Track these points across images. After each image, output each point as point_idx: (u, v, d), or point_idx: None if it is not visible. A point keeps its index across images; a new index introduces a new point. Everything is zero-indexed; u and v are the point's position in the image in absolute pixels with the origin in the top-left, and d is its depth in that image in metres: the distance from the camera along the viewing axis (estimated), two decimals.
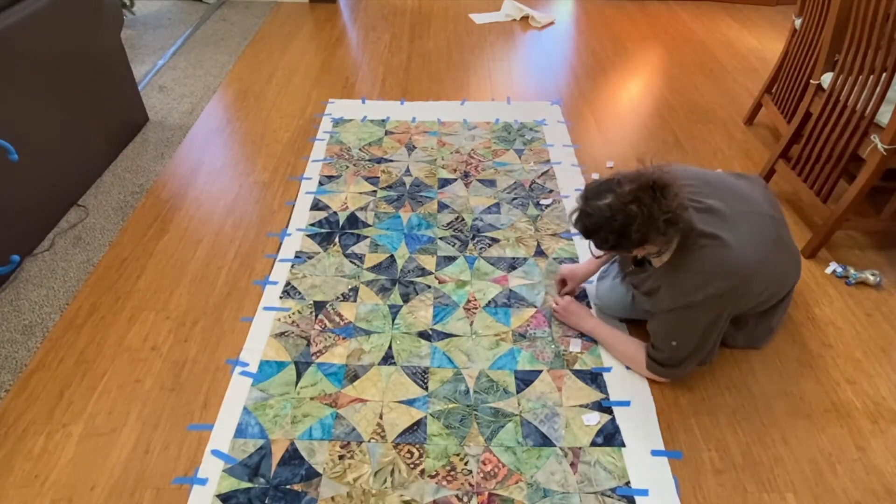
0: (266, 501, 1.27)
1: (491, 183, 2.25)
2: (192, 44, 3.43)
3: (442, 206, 2.13)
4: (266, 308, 1.73)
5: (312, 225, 2.04)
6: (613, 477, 1.32)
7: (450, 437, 1.40)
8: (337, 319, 1.69)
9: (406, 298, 1.76)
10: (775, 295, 1.50)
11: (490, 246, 1.96)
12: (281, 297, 1.76)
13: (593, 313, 1.68)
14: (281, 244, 1.97)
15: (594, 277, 1.77)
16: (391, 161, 2.37)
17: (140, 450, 1.38)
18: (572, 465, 1.34)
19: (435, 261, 1.90)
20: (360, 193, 2.19)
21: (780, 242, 1.44)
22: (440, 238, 1.99)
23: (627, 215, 1.20)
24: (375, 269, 1.87)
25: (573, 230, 1.99)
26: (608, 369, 1.56)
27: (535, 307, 1.74)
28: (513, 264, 1.89)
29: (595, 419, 1.44)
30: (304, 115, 2.71)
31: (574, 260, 1.90)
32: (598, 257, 1.46)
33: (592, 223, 1.25)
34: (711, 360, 1.52)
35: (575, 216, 1.29)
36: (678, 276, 1.34)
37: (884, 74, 1.70)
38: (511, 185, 2.24)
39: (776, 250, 1.42)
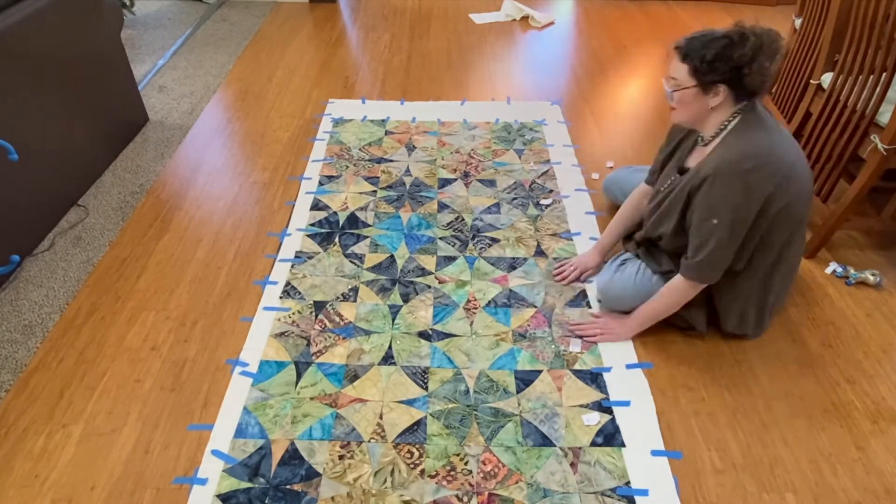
0: (266, 501, 1.27)
1: (491, 183, 2.25)
2: (192, 44, 3.43)
3: (442, 206, 2.13)
4: (266, 308, 1.73)
5: (312, 225, 2.04)
6: (613, 477, 1.32)
7: (450, 437, 1.40)
8: (337, 319, 1.69)
9: (406, 298, 1.76)
10: (797, 218, 1.45)
11: (490, 246, 1.96)
12: (281, 297, 1.76)
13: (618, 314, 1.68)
14: (281, 244, 1.97)
15: (593, 277, 1.78)
16: (391, 161, 2.37)
17: (140, 450, 1.38)
18: (572, 465, 1.34)
19: (435, 261, 1.90)
20: (360, 193, 2.19)
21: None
22: (440, 238, 1.99)
23: (743, 37, 1.30)
24: (375, 269, 1.87)
25: (572, 230, 1.99)
26: (608, 369, 1.56)
27: (535, 307, 1.74)
28: (513, 264, 1.89)
29: (595, 419, 1.44)
30: (304, 115, 2.71)
31: None
32: (669, 90, 1.42)
33: (698, 35, 1.35)
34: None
35: (688, 36, 1.37)
36: (730, 147, 1.38)
37: (884, 74, 1.70)
38: (511, 185, 2.24)
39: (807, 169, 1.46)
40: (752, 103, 1.39)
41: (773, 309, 1.61)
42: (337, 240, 1.98)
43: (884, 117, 1.74)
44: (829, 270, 1.87)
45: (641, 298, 1.59)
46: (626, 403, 1.48)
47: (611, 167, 2.36)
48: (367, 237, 1.99)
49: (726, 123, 1.40)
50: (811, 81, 2.09)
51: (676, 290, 1.51)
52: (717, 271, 1.44)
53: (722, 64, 1.31)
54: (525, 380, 1.53)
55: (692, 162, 1.52)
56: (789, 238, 1.46)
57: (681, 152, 1.58)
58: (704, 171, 1.38)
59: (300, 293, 1.78)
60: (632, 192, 1.80)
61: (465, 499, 1.28)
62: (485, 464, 1.35)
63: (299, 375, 1.54)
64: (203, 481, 1.31)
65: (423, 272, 1.85)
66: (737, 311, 1.56)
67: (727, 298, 1.54)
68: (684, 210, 1.46)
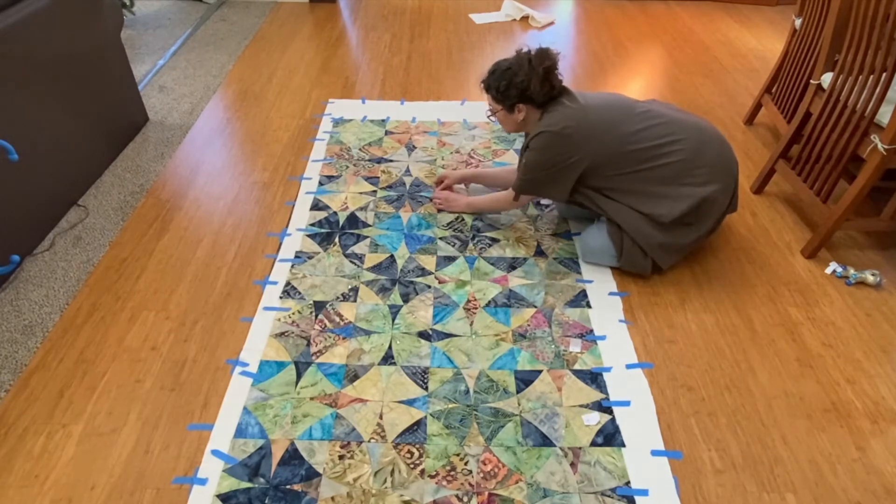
0: (266, 501, 1.27)
1: None
2: (192, 44, 3.43)
3: None
4: (266, 308, 1.73)
5: (312, 225, 2.04)
6: (613, 477, 1.32)
7: (450, 437, 1.40)
8: (337, 319, 1.69)
9: (406, 298, 1.76)
10: (605, 172, 1.74)
11: (490, 246, 1.96)
12: (281, 297, 1.76)
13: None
14: (281, 244, 1.97)
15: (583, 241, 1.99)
16: (391, 161, 2.37)
17: (140, 450, 1.38)
18: (572, 465, 1.34)
19: (435, 261, 1.90)
20: (360, 193, 2.19)
21: (636, 115, 1.76)
22: (440, 238, 1.99)
23: (519, 62, 1.72)
24: (375, 269, 1.87)
25: (572, 230, 1.99)
26: (608, 369, 1.56)
27: (535, 307, 1.74)
28: (513, 264, 1.89)
29: (595, 419, 1.44)
30: (304, 115, 2.71)
31: (575, 261, 1.91)
32: (489, 115, 1.87)
33: (492, 70, 1.77)
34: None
35: (488, 71, 1.79)
36: (542, 121, 1.75)
37: (884, 74, 1.70)
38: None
39: (624, 108, 1.77)
40: (553, 102, 1.75)
41: (650, 249, 1.77)
42: (337, 240, 1.98)
43: (884, 117, 1.74)
44: (829, 270, 1.87)
45: (627, 261, 1.82)
46: (626, 403, 1.48)
47: None
48: (367, 237, 1.99)
49: (541, 115, 1.78)
50: (811, 81, 2.09)
51: (502, 201, 1.96)
52: (526, 191, 1.85)
53: (512, 90, 1.73)
54: (525, 380, 1.53)
55: None
56: (609, 186, 1.76)
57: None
58: (532, 134, 1.77)
59: (300, 293, 1.78)
60: None
61: (465, 499, 1.28)
62: (485, 464, 1.35)
63: (299, 375, 1.54)
64: (203, 481, 1.31)
65: (423, 272, 1.85)
66: (626, 256, 1.81)
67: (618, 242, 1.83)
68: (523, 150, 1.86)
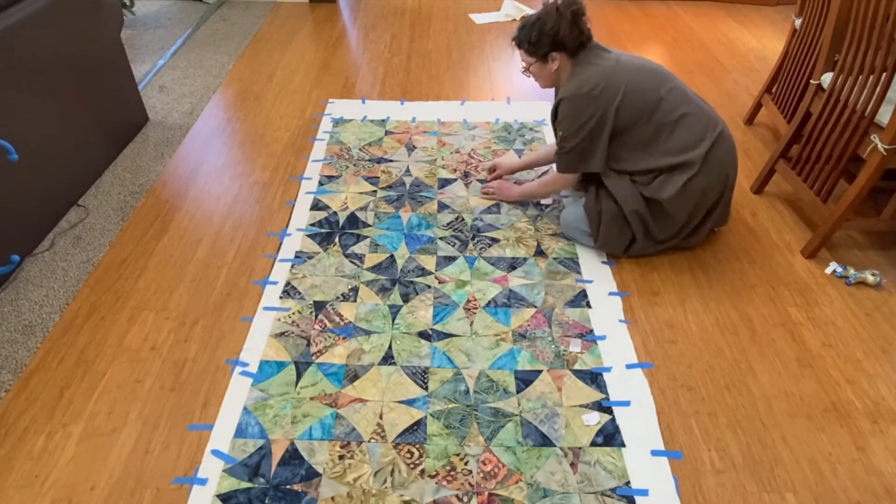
0: (266, 501, 1.27)
1: None
2: (192, 44, 3.43)
3: (442, 206, 2.13)
4: (266, 308, 1.73)
5: (312, 225, 2.04)
6: (613, 477, 1.32)
7: (450, 437, 1.40)
8: (337, 319, 1.69)
9: (406, 298, 1.76)
10: (651, 118, 1.75)
11: (490, 246, 1.96)
12: (281, 297, 1.76)
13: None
14: (281, 244, 1.97)
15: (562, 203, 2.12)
16: (391, 161, 2.37)
17: (140, 450, 1.38)
18: (572, 465, 1.34)
19: (435, 261, 1.90)
20: (360, 193, 2.19)
21: (666, 79, 1.79)
22: (440, 238, 1.99)
23: (548, 12, 1.74)
24: (375, 269, 1.87)
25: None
26: (608, 369, 1.56)
27: (535, 307, 1.74)
28: (513, 264, 1.89)
29: (595, 419, 1.44)
30: (304, 115, 2.71)
31: (575, 261, 1.91)
32: (523, 71, 1.87)
33: (522, 25, 1.79)
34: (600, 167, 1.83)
35: (517, 28, 1.82)
36: (569, 83, 1.78)
37: (884, 74, 1.70)
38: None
39: (656, 78, 1.78)
40: (584, 51, 1.77)
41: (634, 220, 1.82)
42: (337, 240, 1.98)
43: (884, 117, 1.74)
44: (829, 270, 1.87)
45: (581, 214, 1.91)
46: (626, 403, 1.48)
47: None
48: (367, 237, 1.99)
49: (572, 70, 1.79)
50: (811, 81, 2.09)
51: (555, 182, 1.97)
52: (569, 165, 1.85)
53: (544, 38, 1.74)
54: (525, 380, 1.53)
55: None
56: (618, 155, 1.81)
57: None
58: (559, 97, 1.82)
59: (300, 293, 1.78)
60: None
61: (465, 499, 1.28)
62: (485, 464, 1.35)
63: (299, 375, 1.54)
64: (203, 481, 1.31)
65: (423, 272, 1.85)
66: (643, 239, 1.87)
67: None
68: (553, 122, 1.89)
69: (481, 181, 2.25)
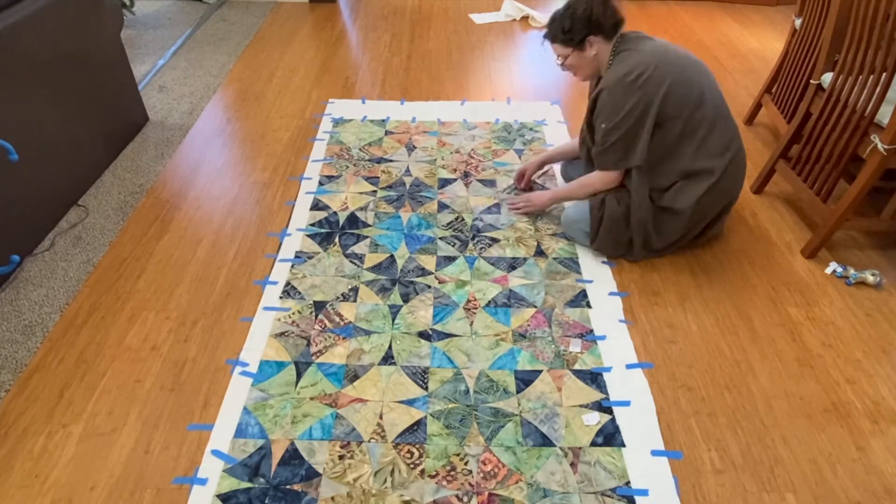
0: (266, 501, 1.27)
1: (491, 183, 2.25)
2: (192, 44, 3.43)
3: (442, 206, 2.13)
4: (266, 308, 1.73)
5: (312, 225, 2.04)
6: (613, 477, 1.32)
7: (450, 437, 1.40)
8: (337, 319, 1.69)
9: (406, 298, 1.76)
10: (692, 117, 1.70)
11: (490, 246, 1.96)
12: (281, 297, 1.76)
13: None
14: (281, 244, 1.97)
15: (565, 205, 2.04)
16: (391, 161, 2.37)
17: (140, 450, 1.38)
18: (572, 465, 1.34)
19: (435, 261, 1.90)
20: (360, 193, 2.19)
21: (701, 70, 1.74)
22: (440, 238, 1.99)
23: (578, 1, 1.68)
24: (375, 269, 1.87)
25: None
26: (608, 369, 1.56)
27: (535, 307, 1.74)
28: (513, 264, 1.89)
29: (595, 419, 1.44)
30: (304, 115, 2.71)
31: (575, 261, 1.91)
32: (560, 65, 1.80)
33: (552, 19, 1.73)
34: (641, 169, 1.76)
35: (546, 24, 1.78)
36: (611, 71, 1.72)
37: (884, 74, 1.70)
38: (511, 186, 2.24)
39: (699, 72, 1.72)
40: (622, 35, 1.72)
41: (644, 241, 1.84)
42: (337, 240, 1.98)
43: (884, 117, 1.74)
44: (829, 270, 1.87)
45: (585, 215, 1.88)
46: (626, 403, 1.48)
47: None
48: (367, 237, 1.99)
49: (611, 58, 1.73)
50: (811, 81, 2.09)
51: (593, 183, 1.86)
52: (611, 161, 1.77)
53: (577, 24, 1.68)
54: (525, 380, 1.53)
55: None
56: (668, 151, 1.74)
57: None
58: (599, 87, 1.74)
59: (300, 293, 1.78)
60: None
61: (465, 499, 1.28)
62: (485, 464, 1.35)
63: (299, 375, 1.54)
64: (203, 481, 1.31)
65: (423, 272, 1.85)
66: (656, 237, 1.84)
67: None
68: (590, 116, 1.81)
69: (511, 190, 2.20)
